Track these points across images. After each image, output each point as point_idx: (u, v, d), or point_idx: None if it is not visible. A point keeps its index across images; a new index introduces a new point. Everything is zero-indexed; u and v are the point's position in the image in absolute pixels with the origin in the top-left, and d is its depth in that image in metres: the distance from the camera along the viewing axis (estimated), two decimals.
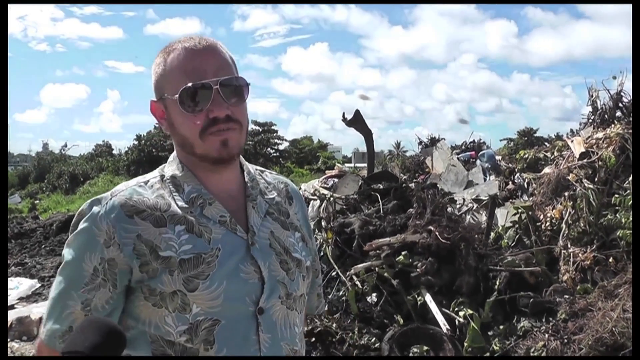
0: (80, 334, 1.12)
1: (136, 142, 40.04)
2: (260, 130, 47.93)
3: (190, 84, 1.35)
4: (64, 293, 1.36)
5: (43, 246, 11.95)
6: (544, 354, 4.60)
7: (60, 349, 1.27)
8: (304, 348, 1.55)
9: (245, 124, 1.43)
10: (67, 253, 1.40)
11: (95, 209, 1.39)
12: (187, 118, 1.38)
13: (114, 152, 47.02)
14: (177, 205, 1.41)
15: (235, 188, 1.49)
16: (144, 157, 37.58)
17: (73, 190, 34.54)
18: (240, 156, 1.51)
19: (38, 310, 6.81)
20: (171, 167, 1.48)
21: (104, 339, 1.11)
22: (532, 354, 4.67)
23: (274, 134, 48.79)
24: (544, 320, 5.07)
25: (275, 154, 48.55)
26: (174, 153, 1.51)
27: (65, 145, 48.96)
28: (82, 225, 1.39)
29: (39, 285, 8.57)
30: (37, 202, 30.27)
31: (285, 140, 49.90)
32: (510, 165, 9.37)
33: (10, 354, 5.73)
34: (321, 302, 1.80)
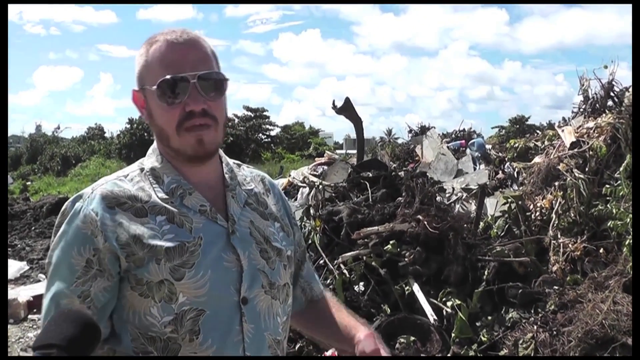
0: (54, 326, 1.08)
1: (128, 126, 39.94)
2: (252, 115, 47.87)
3: (168, 76, 1.36)
4: (57, 293, 1.37)
5: (33, 228, 12.04)
6: (532, 346, 4.56)
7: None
8: (286, 338, 1.55)
9: (222, 120, 1.43)
10: (53, 256, 1.40)
11: (78, 204, 1.41)
12: (164, 110, 1.39)
13: (106, 135, 46.86)
14: (158, 196, 1.42)
15: (214, 179, 1.50)
16: (136, 141, 37.47)
17: (65, 173, 34.54)
18: (219, 149, 1.52)
19: (26, 293, 6.90)
20: (150, 159, 1.50)
21: (79, 331, 1.06)
22: (520, 345, 4.63)
23: (266, 120, 48.74)
24: (532, 311, 5.04)
25: (266, 140, 48.54)
26: (154, 145, 1.52)
27: (58, 128, 48.53)
28: (65, 225, 1.40)
29: (27, 267, 8.61)
30: (28, 183, 30.26)
31: (277, 126, 49.90)
32: (500, 154, 9.36)
33: None
34: (310, 290, 1.75)
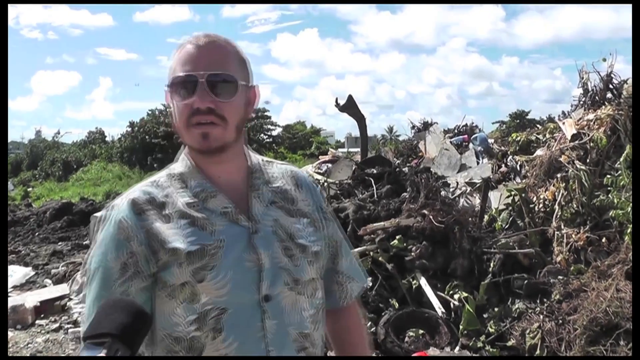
0: (104, 315, 1.08)
1: (129, 129, 39.73)
2: (254, 116, 47.80)
3: (180, 74, 1.42)
4: (97, 297, 1.41)
5: (37, 234, 11.92)
6: (539, 335, 4.64)
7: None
8: (319, 329, 1.56)
9: (233, 121, 1.45)
10: (92, 263, 1.46)
11: (113, 213, 1.47)
12: (177, 107, 1.45)
13: (107, 139, 46.53)
14: (182, 201, 1.47)
15: (239, 179, 1.53)
16: (137, 144, 37.30)
17: (66, 178, 34.22)
18: (246, 148, 1.57)
19: (32, 298, 6.77)
20: (178, 164, 1.55)
21: (131, 318, 1.07)
22: (527, 335, 4.71)
23: (267, 120, 48.65)
24: (538, 301, 5.11)
25: (268, 140, 48.42)
26: (185, 149, 1.57)
27: (58, 133, 48.29)
28: (101, 233, 1.47)
29: (32, 273, 8.52)
30: (30, 189, 29.98)
31: (278, 125, 49.73)
32: (502, 148, 9.40)
33: None
34: (347, 289, 1.72)
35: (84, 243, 10.06)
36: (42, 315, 6.58)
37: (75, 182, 31.06)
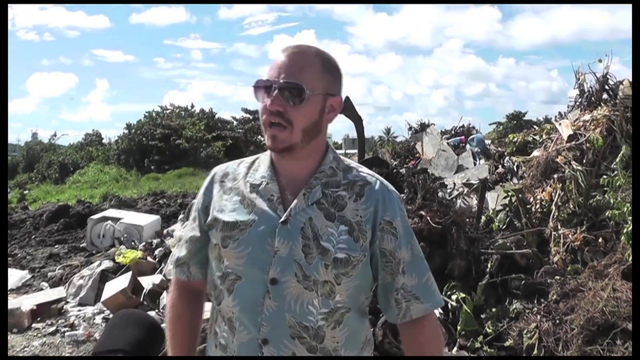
0: (118, 330, 1.06)
1: (126, 131, 39.70)
2: (251, 118, 47.81)
3: (260, 79, 1.66)
4: (185, 227, 1.89)
5: (33, 237, 11.78)
6: (536, 335, 4.65)
7: (173, 274, 1.84)
8: (337, 330, 1.66)
9: (300, 125, 1.64)
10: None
11: (211, 173, 1.86)
12: (259, 107, 1.67)
13: (103, 141, 46.44)
14: (245, 180, 1.76)
15: (302, 177, 1.72)
16: (134, 146, 37.27)
17: (63, 180, 34.05)
18: (330, 152, 1.77)
19: (29, 301, 6.71)
20: (265, 154, 1.81)
21: (144, 333, 1.06)
22: (525, 335, 4.72)
23: None
24: (535, 301, 5.12)
25: (265, 142, 48.47)
26: None
27: (55, 135, 48.01)
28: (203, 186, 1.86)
29: (29, 276, 8.42)
30: (26, 192, 29.82)
31: None
32: (499, 149, 9.40)
33: None
34: (404, 308, 1.73)
35: (81, 246, 10.01)
36: (38, 319, 6.52)
37: (72, 184, 30.96)
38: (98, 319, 6.47)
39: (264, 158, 1.78)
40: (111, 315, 6.16)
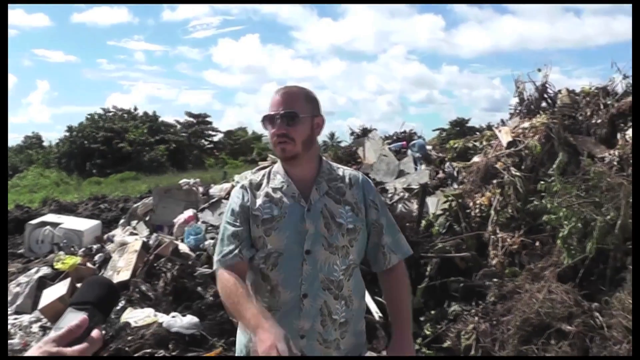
0: (87, 288, 1.39)
1: (68, 134, 38.70)
2: (195, 122, 47.32)
3: (267, 114, 2.26)
4: (226, 223, 2.31)
5: None
6: (474, 336, 4.71)
7: (222, 266, 2.22)
8: (350, 280, 2.30)
9: (299, 140, 2.25)
10: (227, 205, 2.41)
11: (238, 185, 2.43)
12: (269, 133, 2.29)
13: (44, 144, 45.17)
14: (270, 185, 2.34)
15: (309, 177, 2.34)
16: (76, 149, 36.42)
17: None
18: (323, 158, 2.42)
19: None
20: (277, 165, 2.40)
21: (106, 291, 1.39)
22: (462, 337, 4.77)
23: (208, 126, 48.23)
24: (473, 303, 5.20)
25: (209, 146, 48.03)
26: None
27: None
28: (233, 192, 2.42)
29: None
30: None
31: (220, 131, 49.42)
32: (440, 154, 9.53)
33: None
34: (389, 258, 2.39)
35: (19, 252, 9.62)
36: None
37: (11, 188, 29.89)
38: (35, 328, 6.13)
39: (278, 168, 2.38)
40: (49, 324, 5.98)
